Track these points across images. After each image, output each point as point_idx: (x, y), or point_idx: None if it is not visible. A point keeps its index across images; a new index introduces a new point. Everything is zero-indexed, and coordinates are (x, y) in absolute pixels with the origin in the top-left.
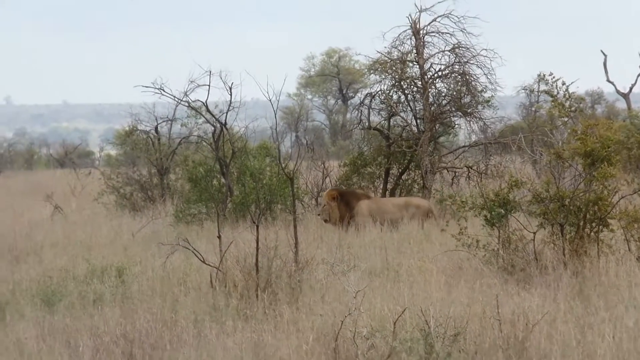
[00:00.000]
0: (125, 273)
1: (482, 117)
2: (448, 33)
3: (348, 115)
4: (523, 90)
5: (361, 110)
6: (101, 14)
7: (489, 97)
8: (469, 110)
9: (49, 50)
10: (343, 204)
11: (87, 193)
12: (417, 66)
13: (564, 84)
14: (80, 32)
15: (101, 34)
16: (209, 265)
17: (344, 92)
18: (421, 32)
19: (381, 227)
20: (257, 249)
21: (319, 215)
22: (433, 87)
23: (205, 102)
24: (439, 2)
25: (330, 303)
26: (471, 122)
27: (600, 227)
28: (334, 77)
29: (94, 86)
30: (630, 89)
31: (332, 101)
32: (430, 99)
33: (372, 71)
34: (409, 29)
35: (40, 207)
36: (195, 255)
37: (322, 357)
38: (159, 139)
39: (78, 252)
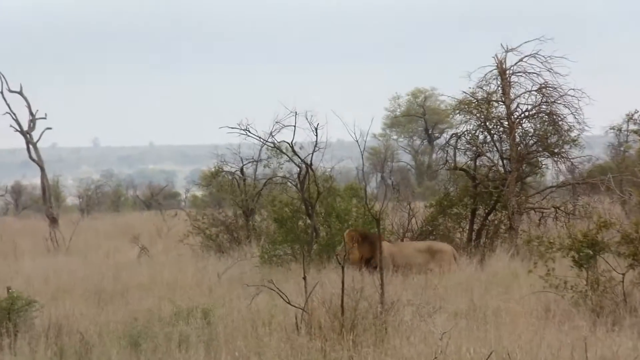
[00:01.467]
0: (211, 314)
1: (570, 157)
2: (535, 73)
3: (434, 156)
4: (611, 130)
5: (447, 151)
6: (188, 55)
7: (575, 137)
8: (556, 150)
9: (135, 92)
10: (367, 245)
11: (173, 234)
12: (503, 106)
13: None
14: (166, 73)
15: (186, 75)
16: (294, 306)
17: (430, 132)
18: (507, 72)
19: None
20: (343, 290)
21: (337, 255)
22: (520, 127)
23: (291, 142)
24: (525, 42)
25: (416, 345)
26: (558, 162)
27: None
28: (419, 117)
29: (179, 128)
30: None
31: (418, 141)
32: (517, 139)
33: (457, 111)
34: (495, 69)
35: (127, 249)
36: (281, 296)
37: None
38: (244, 180)
39: (164, 294)
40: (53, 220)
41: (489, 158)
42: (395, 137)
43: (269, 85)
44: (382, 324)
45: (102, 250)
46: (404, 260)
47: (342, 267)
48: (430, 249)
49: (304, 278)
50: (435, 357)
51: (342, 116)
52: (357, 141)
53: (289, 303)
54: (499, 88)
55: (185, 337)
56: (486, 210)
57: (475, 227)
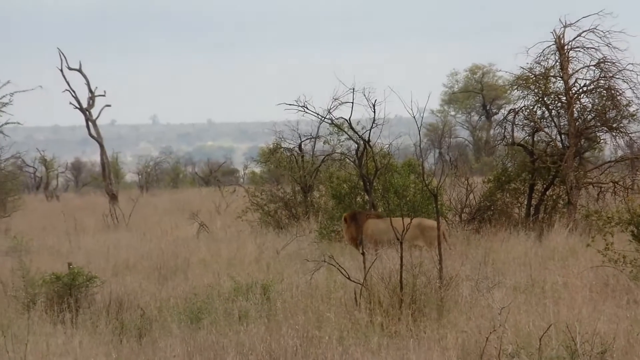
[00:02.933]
0: (270, 290)
1: (628, 131)
2: (593, 48)
3: (491, 132)
4: None
5: (505, 127)
6: (247, 34)
7: (634, 111)
8: (614, 125)
9: (194, 69)
10: (354, 225)
11: (231, 211)
12: (561, 81)
13: None
14: (224, 51)
15: (245, 53)
16: (353, 281)
17: (488, 108)
18: (566, 47)
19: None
20: (402, 265)
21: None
22: (578, 102)
23: (349, 119)
24: (584, 17)
25: (475, 320)
26: (617, 137)
27: None
28: (477, 93)
29: (238, 105)
30: None
31: (476, 117)
32: (575, 114)
33: (515, 87)
34: (553, 44)
35: (186, 225)
36: (340, 271)
37: None
38: (302, 157)
39: (223, 270)
40: (113, 197)
41: (547, 133)
42: (453, 113)
43: (328, 62)
44: (441, 299)
45: (161, 226)
46: (389, 235)
47: (401, 243)
48: (420, 225)
49: (363, 254)
50: (494, 331)
51: (399, 92)
52: (414, 117)
53: (348, 278)
54: (557, 63)
55: (244, 313)
56: (544, 186)
57: (534, 202)
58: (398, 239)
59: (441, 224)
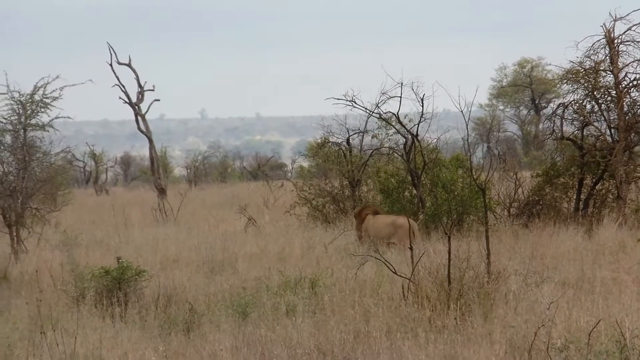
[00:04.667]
0: (318, 284)
1: None
2: None
3: (540, 126)
4: None
5: (554, 121)
6: (295, 28)
7: None
8: None
9: (243, 64)
10: (358, 221)
11: (279, 205)
12: (611, 75)
13: None
14: (273, 45)
15: (294, 47)
16: (400, 276)
17: (537, 102)
18: (615, 41)
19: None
20: (449, 260)
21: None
22: (627, 96)
23: (397, 113)
24: (634, 11)
25: (523, 314)
26: None
27: None
28: (526, 87)
29: (286, 99)
30: None
31: (525, 111)
32: (625, 108)
33: (564, 81)
34: (603, 38)
35: (234, 219)
36: (387, 266)
37: None
38: (350, 151)
39: (271, 264)
40: (161, 191)
41: (596, 127)
42: (501, 107)
43: (375, 57)
44: (488, 293)
45: (210, 220)
46: (374, 232)
47: (449, 237)
48: (394, 223)
49: (410, 248)
50: (543, 326)
51: (447, 87)
52: (461, 112)
53: (395, 273)
54: (607, 57)
55: (292, 307)
56: (593, 180)
57: (583, 196)
58: (380, 235)
59: (412, 223)
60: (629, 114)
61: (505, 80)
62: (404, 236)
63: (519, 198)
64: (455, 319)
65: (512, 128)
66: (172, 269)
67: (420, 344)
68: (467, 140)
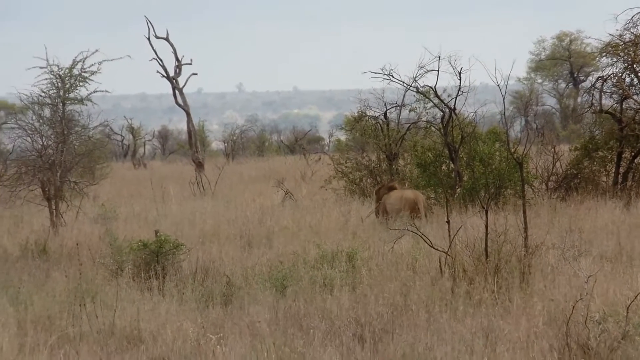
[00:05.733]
0: (355, 258)
1: None
2: None
3: (579, 99)
4: None
5: (593, 94)
6: (332, 2)
7: None
8: None
9: (280, 38)
10: (377, 197)
11: (316, 179)
12: None
13: None
14: (310, 18)
15: (331, 20)
16: (437, 250)
17: (575, 75)
18: None
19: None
20: (487, 233)
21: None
22: None
23: (434, 87)
24: None
25: (561, 287)
26: None
27: None
28: (565, 60)
29: (324, 72)
30: None
31: (563, 85)
32: None
33: (604, 54)
34: None
35: (271, 193)
36: (424, 240)
37: (553, 340)
38: (387, 125)
39: (308, 237)
40: (199, 165)
41: (635, 101)
42: (540, 80)
43: (413, 31)
44: (526, 267)
45: (247, 194)
46: (390, 208)
47: (486, 211)
48: (402, 197)
49: (447, 222)
50: (581, 299)
51: (485, 61)
52: (498, 85)
53: (432, 247)
54: None
55: (329, 280)
56: (632, 154)
57: (621, 170)
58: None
59: (420, 197)
60: None
61: (543, 53)
62: (410, 209)
63: (557, 172)
64: (492, 292)
65: (551, 102)
66: (209, 242)
67: (458, 317)
68: (504, 113)
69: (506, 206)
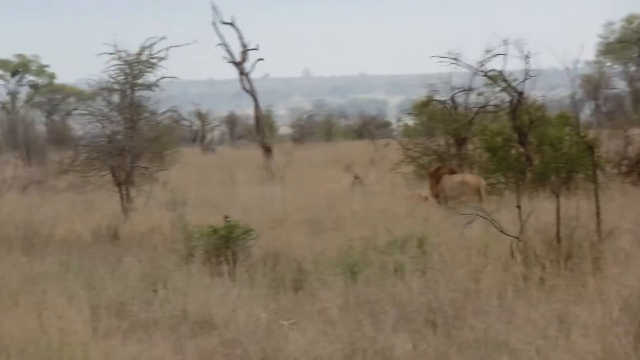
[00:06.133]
0: (426, 243)
1: None
2: None
3: None
4: None
5: None
6: None
7: None
8: None
9: (346, 22)
10: (434, 181)
11: (385, 163)
12: None
13: None
14: (376, 1)
15: (397, 3)
16: (508, 235)
17: None
18: None
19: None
20: (558, 218)
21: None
22: None
23: (502, 71)
24: None
25: (636, 273)
26: None
27: None
28: (634, 43)
29: (390, 57)
30: None
31: (633, 68)
32: None
33: None
34: None
35: (339, 178)
36: (494, 225)
37: (629, 327)
38: (455, 109)
39: (378, 223)
40: (267, 150)
41: None
42: (609, 64)
43: (481, 14)
44: (599, 252)
45: (315, 179)
46: (449, 192)
47: (557, 196)
48: (462, 181)
49: (518, 207)
50: None
51: (554, 44)
52: (567, 69)
53: (502, 232)
54: None
55: (400, 266)
56: None
57: None
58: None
59: (482, 181)
60: None
61: (612, 36)
62: (472, 195)
63: (629, 156)
64: (565, 277)
65: (621, 85)
66: (279, 227)
67: (531, 303)
68: (574, 97)
69: (577, 191)
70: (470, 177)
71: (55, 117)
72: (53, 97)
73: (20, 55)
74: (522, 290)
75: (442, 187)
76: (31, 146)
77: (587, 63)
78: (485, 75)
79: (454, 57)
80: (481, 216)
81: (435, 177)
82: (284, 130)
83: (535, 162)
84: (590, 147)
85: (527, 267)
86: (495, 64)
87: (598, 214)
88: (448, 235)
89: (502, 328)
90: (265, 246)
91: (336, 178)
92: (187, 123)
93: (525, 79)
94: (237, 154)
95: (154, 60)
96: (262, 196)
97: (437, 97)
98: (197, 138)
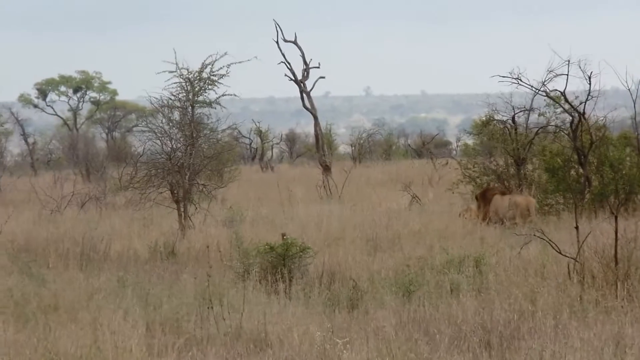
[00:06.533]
0: (482, 263)
1: None
2: None
3: None
4: None
5: None
6: (459, 3)
7: None
8: None
9: (408, 41)
10: (482, 203)
11: (444, 183)
12: None
13: None
14: (436, 21)
15: (458, 23)
16: (565, 256)
17: None
18: None
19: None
20: (616, 240)
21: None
22: None
23: (564, 91)
24: None
25: None
26: None
27: None
28: None
29: (452, 76)
30: None
31: None
32: None
33: None
34: None
35: (398, 197)
36: (552, 245)
37: None
38: (515, 129)
39: (435, 242)
40: (326, 168)
41: None
42: None
43: (541, 33)
44: None
45: (373, 198)
46: (501, 212)
47: (615, 217)
48: (513, 202)
49: (576, 227)
50: None
51: (615, 64)
52: (629, 89)
53: (560, 252)
54: None
55: (456, 285)
56: None
57: None
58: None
59: (532, 201)
60: None
61: None
62: (521, 214)
63: None
64: (622, 299)
65: None
66: (335, 246)
67: (587, 324)
68: (635, 118)
69: (636, 212)
70: (520, 198)
71: (116, 134)
72: (114, 113)
73: (83, 72)
74: (579, 312)
75: (495, 208)
76: (91, 162)
77: None
78: (546, 96)
79: (515, 76)
80: (538, 237)
81: (485, 199)
82: (343, 148)
83: (595, 183)
84: None
85: (583, 288)
86: (557, 84)
87: None
88: (505, 255)
89: (558, 349)
90: (322, 264)
91: (394, 197)
92: (246, 140)
93: (586, 100)
94: (295, 171)
95: (214, 78)
96: (319, 214)
97: (498, 116)
98: (256, 155)
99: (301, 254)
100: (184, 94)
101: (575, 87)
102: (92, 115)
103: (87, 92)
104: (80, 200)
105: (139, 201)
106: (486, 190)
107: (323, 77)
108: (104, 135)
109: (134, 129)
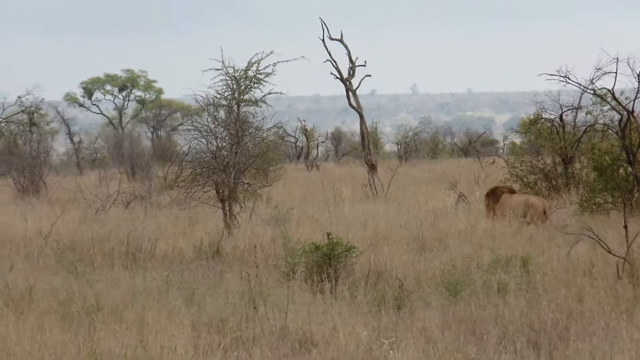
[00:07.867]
0: (530, 263)
1: None
2: None
3: None
4: None
5: None
6: (505, 3)
7: None
8: None
9: (455, 39)
10: (492, 201)
11: (490, 182)
12: None
13: None
14: (484, 19)
15: (506, 20)
16: (615, 255)
17: None
18: None
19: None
20: None
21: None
22: None
23: (612, 89)
24: None
25: None
26: None
27: None
28: None
29: (499, 74)
30: None
31: None
32: None
33: None
34: None
35: (444, 196)
36: (601, 245)
37: None
38: (563, 128)
39: (482, 241)
40: (372, 167)
41: None
42: None
43: (590, 31)
44: None
45: (419, 196)
46: (510, 210)
47: None
48: (527, 202)
49: (625, 227)
50: None
51: None
52: None
53: (609, 252)
54: None
55: (503, 285)
56: None
57: None
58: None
59: (547, 203)
60: None
61: None
62: (536, 215)
63: None
64: None
65: None
66: (381, 245)
67: (637, 324)
68: None
69: None
70: (535, 199)
71: (161, 133)
72: (159, 112)
73: (129, 71)
74: (628, 311)
75: (503, 205)
76: (136, 161)
77: None
78: (594, 94)
79: (563, 74)
80: (587, 236)
81: (493, 197)
82: (389, 147)
83: None
84: None
85: (633, 288)
86: (605, 82)
87: None
88: (553, 254)
89: (608, 350)
90: (368, 264)
91: (440, 196)
92: (292, 139)
93: (635, 97)
94: (341, 170)
95: (260, 76)
96: (365, 213)
97: (545, 115)
98: (302, 154)
99: (347, 253)
100: (230, 92)
101: (623, 85)
102: (138, 114)
103: (133, 91)
104: (125, 200)
105: (184, 200)
106: (495, 188)
107: (369, 76)
108: (149, 134)
109: (179, 127)
